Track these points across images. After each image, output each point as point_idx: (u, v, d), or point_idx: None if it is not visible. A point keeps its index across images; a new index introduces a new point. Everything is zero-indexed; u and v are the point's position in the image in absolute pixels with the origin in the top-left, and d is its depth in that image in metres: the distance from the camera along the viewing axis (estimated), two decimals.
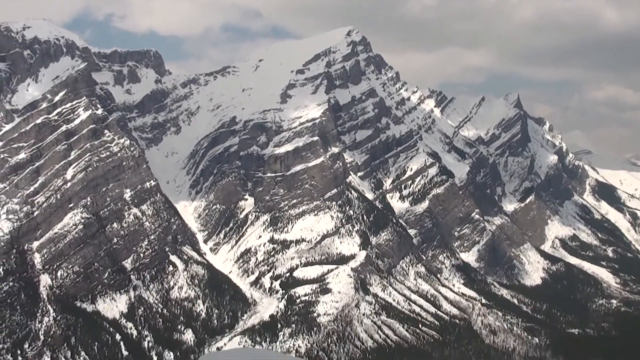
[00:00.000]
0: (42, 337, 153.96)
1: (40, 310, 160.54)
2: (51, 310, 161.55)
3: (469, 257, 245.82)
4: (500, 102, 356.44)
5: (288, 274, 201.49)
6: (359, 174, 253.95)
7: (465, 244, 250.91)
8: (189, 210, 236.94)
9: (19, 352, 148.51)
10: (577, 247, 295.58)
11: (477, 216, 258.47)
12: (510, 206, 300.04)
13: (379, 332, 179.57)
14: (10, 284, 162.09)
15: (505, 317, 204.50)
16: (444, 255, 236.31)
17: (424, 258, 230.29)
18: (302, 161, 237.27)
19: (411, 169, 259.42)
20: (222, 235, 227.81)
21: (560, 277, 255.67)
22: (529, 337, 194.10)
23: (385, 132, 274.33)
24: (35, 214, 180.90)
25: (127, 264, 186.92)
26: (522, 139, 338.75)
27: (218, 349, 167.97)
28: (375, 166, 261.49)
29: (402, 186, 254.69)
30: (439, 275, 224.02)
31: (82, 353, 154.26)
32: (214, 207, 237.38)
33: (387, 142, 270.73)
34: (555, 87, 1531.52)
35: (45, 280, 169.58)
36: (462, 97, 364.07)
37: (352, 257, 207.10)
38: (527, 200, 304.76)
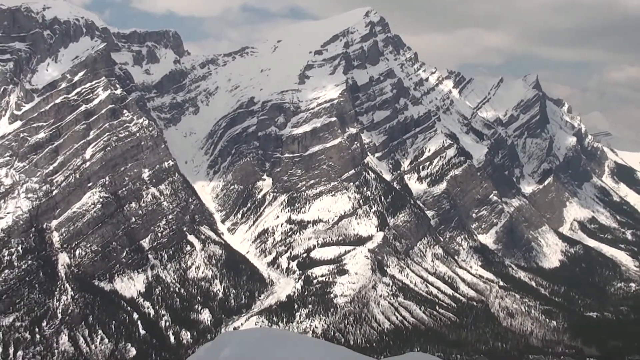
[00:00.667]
0: (60, 315, 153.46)
1: (58, 289, 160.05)
2: (69, 289, 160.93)
3: (487, 239, 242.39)
4: (518, 83, 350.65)
5: (305, 255, 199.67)
6: (376, 154, 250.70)
7: (483, 226, 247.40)
8: (207, 190, 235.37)
9: (36, 329, 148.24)
10: (596, 230, 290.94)
11: (495, 198, 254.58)
12: (528, 188, 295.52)
13: (396, 313, 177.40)
14: (29, 262, 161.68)
15: (523, 299, 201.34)
16: (462, 237, 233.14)
17: (442, 240, 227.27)
18: (319, 142, 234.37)
19: (429, 150, 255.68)
20: (239, 216, 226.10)
21: (578, 260, 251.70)
22: (547, 320, 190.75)
23: (404, 113, 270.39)
24: (54, 193, 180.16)
25: (145, 243, 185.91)
26: (541, 120, 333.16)
27: (235, 329, 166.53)
28: (393, 147, 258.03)
29: (420, 167, 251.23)
30: (456, 257, 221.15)
31: (100, 331, 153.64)
32: (232, 187, 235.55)
33: (405, 123, 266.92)
34: (575, 68, 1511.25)
35: (63, 258, 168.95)
36: (481, 78, 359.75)
37: (370, 238, 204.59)
38: (546, 182, 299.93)
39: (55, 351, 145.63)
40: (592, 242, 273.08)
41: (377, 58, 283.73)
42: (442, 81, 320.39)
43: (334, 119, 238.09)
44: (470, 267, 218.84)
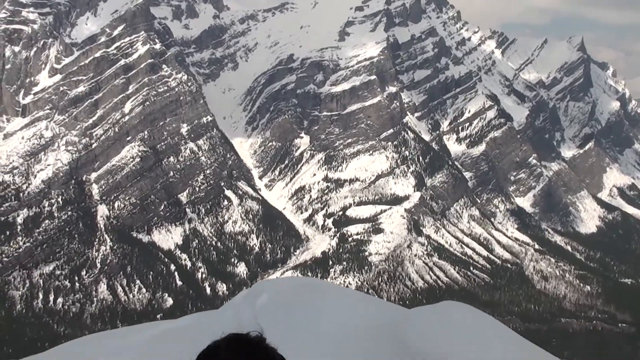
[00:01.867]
0: (98, 265, 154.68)
1: (97, 239, 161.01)
2: (108, 240, 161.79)
3: (524, 202, 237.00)
4: (563, 44, 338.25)
5: (341, 213, 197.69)
6: (416, 114, 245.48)
7: (520, 189, 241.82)
8: (245, 147, 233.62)
9: (76, 278, 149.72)
10: (635, 197, 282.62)
11: (534, 161, 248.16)
12: (568, 152, 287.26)
13: (430, 273, 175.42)
14: (69, 213, 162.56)
15: (558, 263, 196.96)
16: (499, 199, 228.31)
17: (479, 201, 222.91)
18: (358, 100, 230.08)
19: (469, 111, 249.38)
20: (276, 172, 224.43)
21: (616, 226, 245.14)
22: (581, 284, 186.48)
23: (444, 72, 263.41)
24: (93, 146, 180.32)
25: (183, 197, 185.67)
26: (584, 83, 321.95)
27: None
28: (432, 107, 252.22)
29: (460, 128, 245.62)
30: (492, 219, 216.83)
31: (137, 281, 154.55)
32: (270, 144, 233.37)
33: (445, 83, 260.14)
34: (621, 31, 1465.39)
35: (102, 210, 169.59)
36: (524, 39, 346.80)
37: (406, 198, 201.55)
38: (586, 147, 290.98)
39: (94, 299, 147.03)
40: (630, 209, 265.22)
41: (419, 16, 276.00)
42: (485, 41, 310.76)
43: (373, 77, 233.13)
44: (506, 229, 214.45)
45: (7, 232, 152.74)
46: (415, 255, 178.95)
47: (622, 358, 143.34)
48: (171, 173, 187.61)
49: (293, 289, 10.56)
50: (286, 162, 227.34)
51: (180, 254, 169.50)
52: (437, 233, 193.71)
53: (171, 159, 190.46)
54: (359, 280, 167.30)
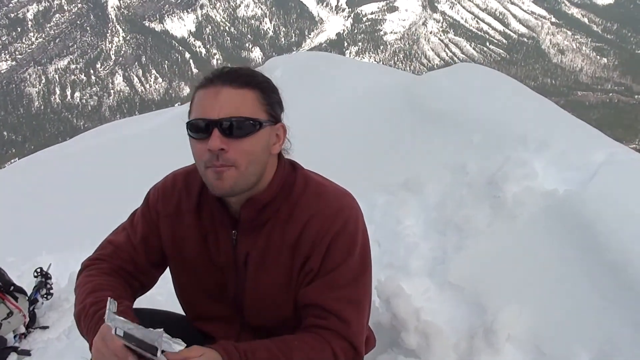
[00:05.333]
0: (113, 57, 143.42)
1: (109, 31, 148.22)
2: (120, 31, 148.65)
3: None
4: None
5: None
6: None
7: None
8: None
9: (91, 71, 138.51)
10: None
11: None
12: None
13: (446, 50, 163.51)
14: (79, 5, 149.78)
15: (575, 36, 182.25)
16: None
17: None
18: None
19: None
20: None
21: None
22: (597, 57, 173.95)
23: None
24: None
25: None
26: None
27: None
28: None
29: None
30: None
31: (153, 71, 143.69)
32: None
33: None
34: None
35: (112, 1, 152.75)
36: None
37: None
38: None
39: (111, 91, 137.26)
40: None
41: None
42: None
43: None
44: (522, 2, 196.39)
45: (19, 29, 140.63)
46: (431, 33, 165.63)
47: (638, 129, 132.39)
48: None
49: (308, 62, 8.85)
50: None
51: (195, 41, 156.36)
52: (452, 9, 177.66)
53: None
54: (374, 60, 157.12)
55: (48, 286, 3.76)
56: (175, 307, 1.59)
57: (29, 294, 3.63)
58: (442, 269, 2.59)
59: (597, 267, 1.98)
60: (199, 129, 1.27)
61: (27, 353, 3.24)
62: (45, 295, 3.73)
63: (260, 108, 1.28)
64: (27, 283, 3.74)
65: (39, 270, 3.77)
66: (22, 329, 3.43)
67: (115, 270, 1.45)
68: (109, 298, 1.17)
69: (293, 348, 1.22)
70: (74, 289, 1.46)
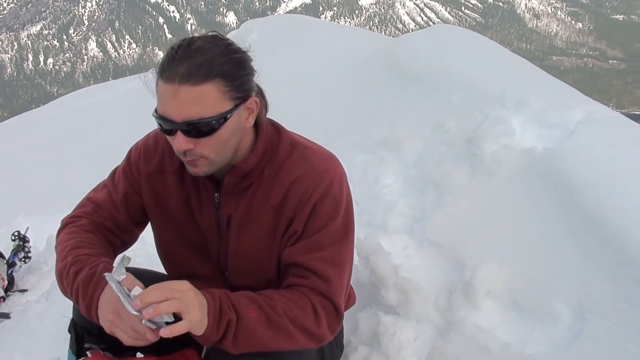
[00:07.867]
0: (86, 22, 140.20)
1: None
2: None
3: None
4: None
5: None
6: None
7: None
8: None
9: (64, 37, 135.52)
10: None
11: None
12: None
13: (421, 14, 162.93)
14: None
15: (550, 1, 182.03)
16: None
17: None
18: None
19: None
20: None
21: None
22: (572, 21, 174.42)
23: None
24: None
25: None
26: None
27: None
28: None
29: None
30: None
31: (127, 37, 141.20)
32: None
33: None
34: None
35: None
36: None
37: None
38: None
39: (85, 57, 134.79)
40: None
41: None
42: None
43: None
44: None
45: None
46: None
47: (612, 93, 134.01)
48: None
49: (285, 24, 8.78)
50: None
51: (168, 5, 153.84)
52: None
53: None
54: (349, 25, 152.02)
55: (26, 249, 3.73)
56: (155, 269, 1.59)
57: (6, 257, 3.61)
58: (420, 227, 2.60)
59: (575, 223, 2.01)
60: (163, 127, 1.25)
61: (6, 316, 3.20)
62: (23, 259, 3.71)
63: (224, 98, 1.21)
64: (5, 247, 3.72)
65: (16, 233, 3.75)
66: (1, 292, 3.40)
67: (96, 228, 1.44)
68: (124, 254, 1.20)
69: (275, 300, 1.23)
70: (54, 247, 1.44)
